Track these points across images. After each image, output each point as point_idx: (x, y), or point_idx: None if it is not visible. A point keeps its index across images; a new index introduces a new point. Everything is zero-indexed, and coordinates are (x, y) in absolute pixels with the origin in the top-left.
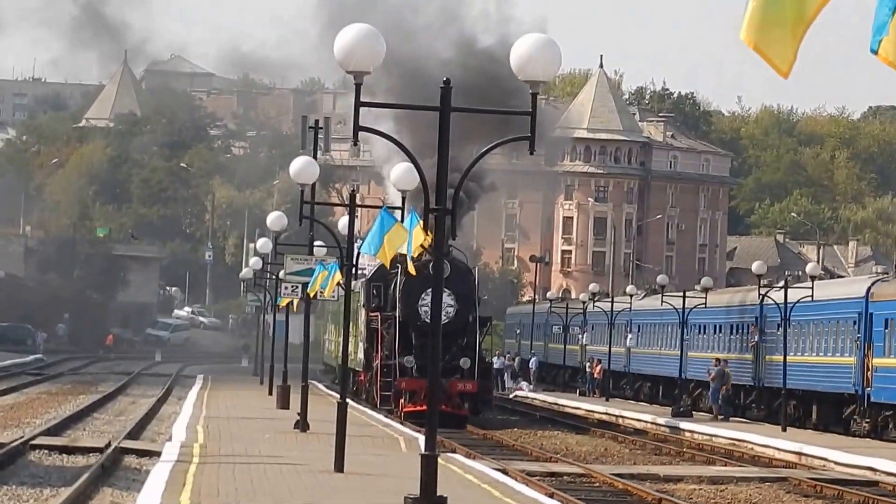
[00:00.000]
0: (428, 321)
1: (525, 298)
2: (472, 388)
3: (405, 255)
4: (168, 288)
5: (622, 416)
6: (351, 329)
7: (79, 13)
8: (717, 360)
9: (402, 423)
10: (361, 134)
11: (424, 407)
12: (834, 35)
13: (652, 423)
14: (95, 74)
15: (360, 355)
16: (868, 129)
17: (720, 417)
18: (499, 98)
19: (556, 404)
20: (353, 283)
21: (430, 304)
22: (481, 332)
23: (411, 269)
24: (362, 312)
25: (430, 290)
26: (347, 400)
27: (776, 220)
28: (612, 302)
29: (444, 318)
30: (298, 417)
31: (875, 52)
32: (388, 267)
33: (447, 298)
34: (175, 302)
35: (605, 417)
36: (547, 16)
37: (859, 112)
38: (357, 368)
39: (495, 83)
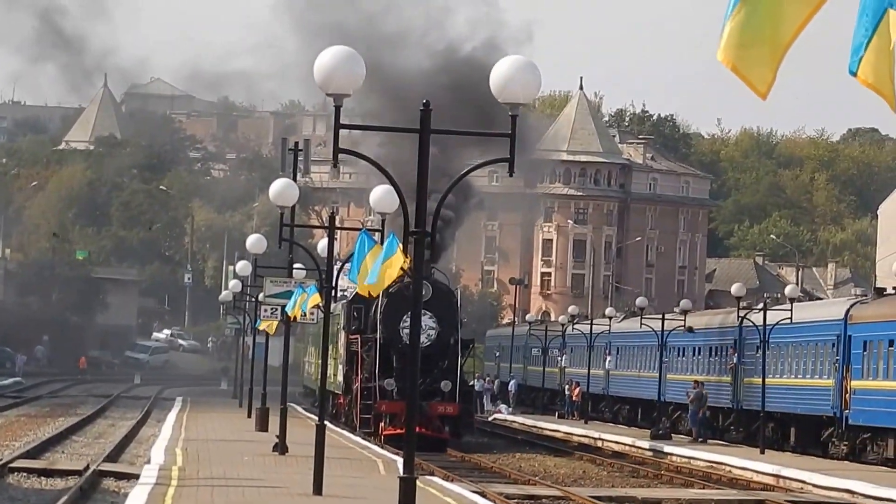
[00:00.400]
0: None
1: (504, 321)
2: (452, 411)
3: (392, 280)
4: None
5: (601, 439)
6: (330, 351)
7: (38, 26)
8: (696, 382)
9: (381, 447)
10: (343, 154)
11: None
12: (813, 57)
13: (631, 445)
14: (60, 91)
15: (340, 378)
16: (847, 152)
17: (700, 440)
18: (483, 104)
19: (535, 427)
20: (333, 305)
21: None
22: (463, 354)
23: (361, 290)
24: (342, 335)
25: None
26: (326, 422)
27: (755, 242)
28: (592, 324)
29: (425, 340)
30: (277, 440)
31: (854, 73)
32: (363, 295)
33: (429, 321)
34: (154, 324)
35: (583, 440)
36: (531, 29)
37: (839, 134)
38: (336, 391)
39: (479, 90)
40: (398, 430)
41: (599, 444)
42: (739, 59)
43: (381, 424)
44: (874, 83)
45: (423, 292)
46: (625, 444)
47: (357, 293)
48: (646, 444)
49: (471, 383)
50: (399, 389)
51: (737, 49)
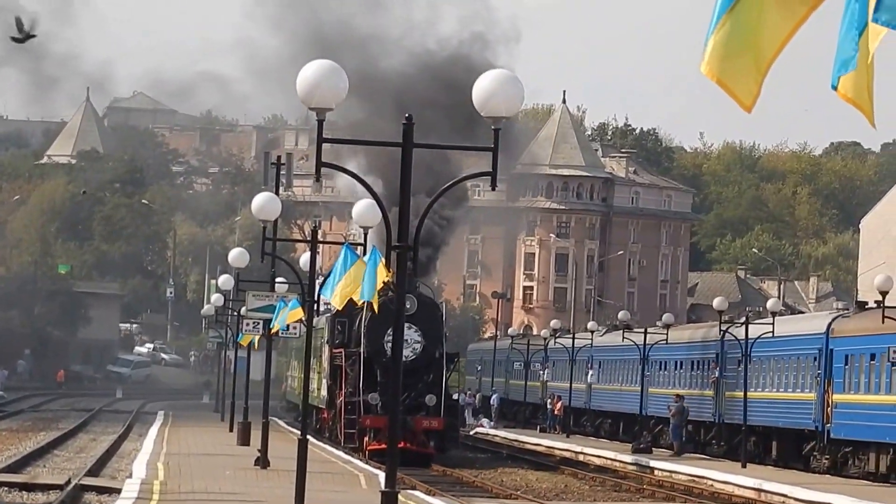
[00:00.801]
0: None
1: (486, 335)
2: (437, 425)
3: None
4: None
5: (583, 453)
6: (314, 365)
7: None
8: (678, 396)
9: (366, 462)
10: (326, 168)
11: None
12: (796, 71)
13: (612, 459)
14: (25, 100)
15: (324, 392)
16: (829, 165)
17: (681, 454)
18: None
19: (517, 441)
20: (316, 318)
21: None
22: (448, 368)
23: (336, 302)
24: (326, 349)
25: None
26: (308, 437)
27: (737, 255)
28: (574, 338)
29: (410, 354)
30: (259, 454)
31: (835, 88)
32: (339, 309)
33: (414, 334)
34: (136, 339)
35: (565, 454)
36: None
37: (821, 148)
38: (320, 406)
39: (468, 90)
40: (383, 445)
41: (581, 458)
42: (724, 72)
43: (366, 439)
44: (854, 97)
45: (409, 306)
46: (607, 458)
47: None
48: (628, 457)
49: (455, 397)
50: (383, 404)
51: (722, 62)
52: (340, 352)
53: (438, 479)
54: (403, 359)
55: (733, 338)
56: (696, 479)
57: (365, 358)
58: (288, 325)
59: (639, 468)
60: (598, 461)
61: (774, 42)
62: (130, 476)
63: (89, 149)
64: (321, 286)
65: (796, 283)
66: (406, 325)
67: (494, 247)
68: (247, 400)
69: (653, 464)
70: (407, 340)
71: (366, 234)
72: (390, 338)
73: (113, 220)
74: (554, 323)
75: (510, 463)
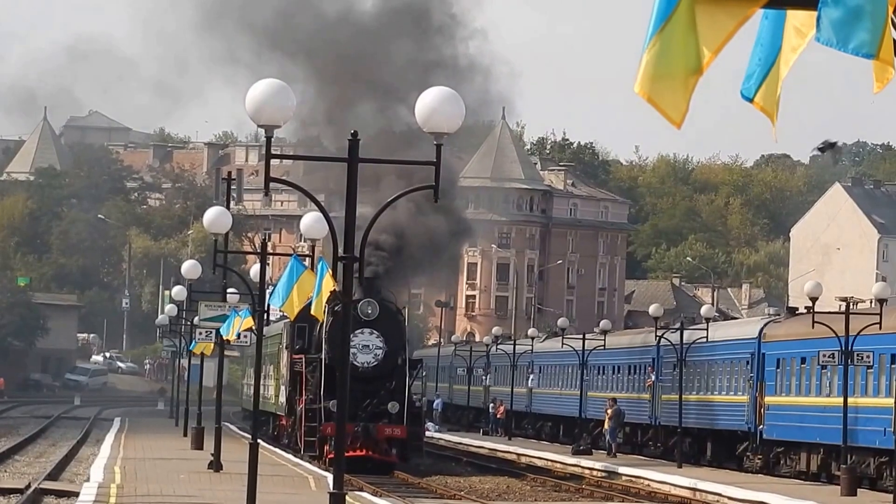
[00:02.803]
0: (356, 364)
1: (430, 342)
2: (400, 433)
3: (324, 301)
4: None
5: (524, 455)
6: (272, 372)
7: None
8: (614, 399)
9: (326, 469)
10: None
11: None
12: (727, 85)
13: (553, 460)
14: None
15: (282, 399)
16: (760, 177)
17: (613, 454)
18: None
19: (460, 444)
20: (269, 328)
21: (358, 346)
22: (411, 374)
23: (317, 313)
24: (285, 354)
25: (358, 331)
26: (260, 441)
27: (672, 264)
28: (515, 344)
29: (372, 360)
30: (212, 458)
31: (750, 99)
32: (292, 319)
33: (376, 340)
34: (93, 348)
35: (507, 456)
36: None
37: (752, 160)
38: (278, 412)
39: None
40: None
41: (523, 459)
42: (654, 91)
43: (326, 447)
44: (761, 102)
45: (370, 311)
46: (547, 460)
47: (300, 312)
48: (567, 459)
49: (418, 404)
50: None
51: (651, 81)
52: (301, 358)
53: (385, 481)
54: (365, 365)
55: (669, 343)
56: (633, 479)
57: (326, 364)
58: (239, 334)
59: (579, 469)
60: (539, 463)
61: (703, 57)
62: (88, 480)
63: (47, 166)
64: (270, 295)
65: (729, 290)
66: (368, 330)
67: None
68: (200, 406)
69: (592, 465)
70: (368, 346)
71: (313, 247)
72: (353, 342)
73: (70, 235)
74: (496, 330)
75: (454, 465)
